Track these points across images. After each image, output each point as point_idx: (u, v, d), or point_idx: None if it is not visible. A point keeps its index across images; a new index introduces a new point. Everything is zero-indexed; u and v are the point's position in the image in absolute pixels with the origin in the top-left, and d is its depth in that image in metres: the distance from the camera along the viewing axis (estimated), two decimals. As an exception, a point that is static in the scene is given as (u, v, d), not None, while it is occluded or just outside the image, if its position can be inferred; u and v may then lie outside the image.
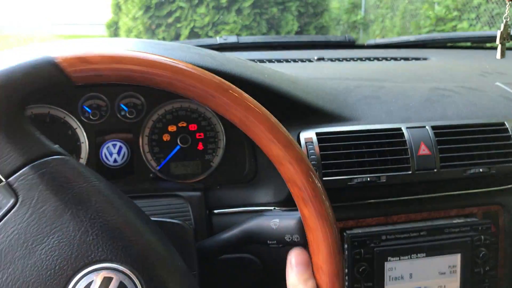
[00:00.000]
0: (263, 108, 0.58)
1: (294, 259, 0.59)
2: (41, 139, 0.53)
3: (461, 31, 6.81)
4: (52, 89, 0.54)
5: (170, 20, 3.77)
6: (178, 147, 0.88)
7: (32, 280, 0.49)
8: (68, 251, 0.50)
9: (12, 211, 0.50)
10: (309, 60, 1.24)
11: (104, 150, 0.87)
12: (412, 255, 0.84)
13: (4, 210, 0.50)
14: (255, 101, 0.58)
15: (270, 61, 1.22)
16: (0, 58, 0.70)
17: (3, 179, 0.51)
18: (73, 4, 11.72)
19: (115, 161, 0.87)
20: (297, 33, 4.03)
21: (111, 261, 0.51)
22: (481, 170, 0.86)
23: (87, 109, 0.85)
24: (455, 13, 7.14)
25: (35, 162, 0.51)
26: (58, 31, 11.58)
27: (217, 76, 0.58)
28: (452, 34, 1.56)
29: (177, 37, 3.82)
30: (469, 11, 7.06)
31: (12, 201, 0.50)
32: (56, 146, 0.55)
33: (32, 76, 0.52)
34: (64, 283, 0.49)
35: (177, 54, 0.76)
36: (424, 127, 0.87)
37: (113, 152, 0.87)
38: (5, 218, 0.50)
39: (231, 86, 0.58)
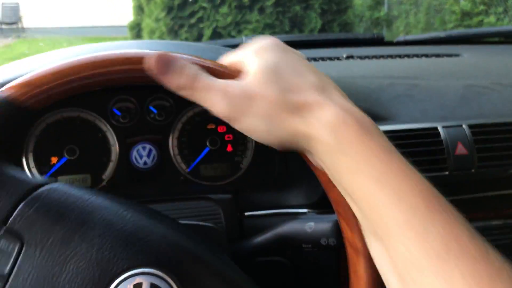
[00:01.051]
0: None
1: None
2: (20, 175, 0.52)
3: (488, 25, 6.67)
4: (12, 123, 0.52)
5: (192, 20, 3.78)
6: (207, 149, 0.87)
7: None
8: (90, 272, 0.48)
9: (21, 254, 0.49)
10: (338, 58, 1.22)
11: (134, 153, 0.87)
12: (450, 258, 0.81)
13: (14, 256, 0.49)
14: None
15: (297, 60, 1.20)
16: None
17: (2, 226, 0.49)
18: (97, 7, 11.90)
19: (145, 163, 0.87)
20: (320, 30, 4.00)
21: (134, 267, 0.49)
22: None
23: (116, 112, 0.85)
24: (482, 7, 6.98)
25: (26, 200, 0.50)
26: (84, 33, 11.79)
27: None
28: (483, 30, 1.51)
29: (199, 38, 3.83)
30: (496, 4, 6.91)
31: (18, 244, 0.49)
32: (38, 176, 0.53)
33: None
34: None
35: (207, 55, 0.75)
36: (461, 126, 0.84)
37: (143, 154, 0.87)
38: (17, 263, 0.48)
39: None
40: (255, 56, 0.50)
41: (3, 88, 0.51)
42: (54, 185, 0.52)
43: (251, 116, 0.48)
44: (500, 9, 6.82)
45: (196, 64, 0.51)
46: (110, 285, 0.48)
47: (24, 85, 0.51)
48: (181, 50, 0.75)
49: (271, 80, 0.47)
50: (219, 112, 0.49)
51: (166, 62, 0.50)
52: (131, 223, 0.51)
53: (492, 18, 6.74)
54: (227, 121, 0.50)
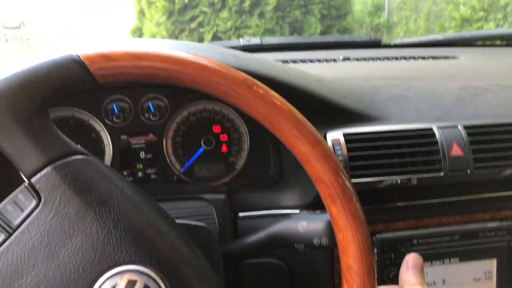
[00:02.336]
0: (288, 104, 0.56)
1: (411, 261, 0.62)
2: (63, 138, 0.53)
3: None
4: (75, 87, 0.53)
5: (193, 25, 3.79)
6: (201, 149, 0.87)
7: (56, 283, 0.48)
8: (92, 253, 0.49)
9: (34, 213, 0.50)
10: (334, 60, 1.22)
11: (129, 153, 0.86)
12: (445, 260, 0.81)
13: (27, 212, 0.50)
14: (280, 97, 0.57)
15: (294, 61, 1.20)
16: (25, 58, 0.70)
17: (26, 180, 0.51)
18: (99, 11, 11.96)
19: (139, 163, 0.87)
20: (319, 36, 4.01)
21: (135, 263, 0.50)
22: None
23: (110, 111, 0.84)
24: (481, 13, 6.99)
25: (58, 162, 0.50)
26: (85, 37, 11.83)
27: (241, 72, 0.56)
28: (480, 32, 1.51)
29: (200, 42, 3.84)
30: (495, 11, 6.91)
31: (34, 202, 0.50)
32: (78, 146, 0.54)
33: (54, 74, 0.51)
34: (87, 286, 0.48)
35: (200, 53, 0.75)
36: (456, 126, 0.84)
37: (137, 154, 0.87)
38: (27, 220, 0.49)
39: (255, 81, 0.56)
40: None
41: (81, 52, 0.52)
42: (89, 158, 0.52)
43: None
44: (500, 16, 6.83)
45: None
46: (106, 272, 0.49)
47: (101, 55, 0.52)
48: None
49: None
50: None
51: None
52: (145, 220, 0.52)
53: (491, 24, 6.75)
54: None
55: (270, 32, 3.77)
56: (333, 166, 0.55)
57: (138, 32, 4.86)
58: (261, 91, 0.55)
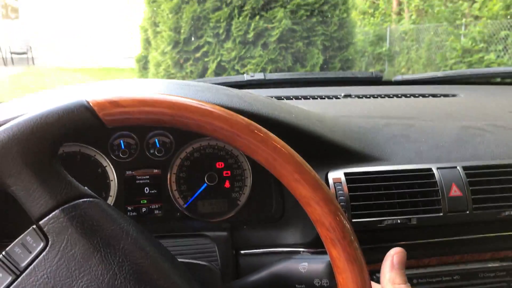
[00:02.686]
0: (290, 148, 0.58)
1: (396, 257, 0.60)
2: (71, 181, 0.54)
3: (488, 62, 6.74)
4: (84, 131, 0.55)
5: (198, 54, 3.86)
6: (205, 185, 0.88)
7: None
8: None
9: (42, 255, 0.51)
10: (336, 97, 1.24)
11: (133, 188, 0.88)
12: (446, 300, 0.81)
13: (34, 254, 0.51)
14: (282, 141, 0.58)
15: (296, 98, 1.22)
16: (36, 100, 0.73)
17: (34, 222, 0.52)
18: (106, 39, 12.14)
19: (143, 199, 0.88)
20: (322, 66, 4.06)
21: None
22: None
23: (117, 147, 0.86)
24: (482, 44, 7.08)
25: (65, 205, 0.52)
26: (94, 63, 11.98)
27: (244, 117, 0.58)
28: (480, 70, 1.54)
29: (204, 71, 3.90)
30: (496, 42, 7.01)
31: (42, 244, 0.51)
32: (85, 188, 0.56)
33: (65, 119, 0.53)
34: None
35: (206, 96, 0.77)
36: (455, 167, 0.85)
37: (142, 190, 0.88)
38: (35, 262, 0.50)
39: (257, 126, 0.58)
40: None
41: (90, 98, 0.54)
42: (95, 200, 0.54)
43: None
44: (500, 47, 6.92)
45: None
46: None
47: (110, 101, 0.54)
48: (181, 91, 0.77)
49: None
50: None
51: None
52: (149, 262, 0.53)
53: (492, 56, 6.83)
54: None
55: (273, 62, 3.83)
56: (333, 210, 0.56)
57: (144, 60, 4.94)
58: (263, 136, 0.57)
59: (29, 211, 0.52)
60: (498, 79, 1.54)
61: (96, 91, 0.72)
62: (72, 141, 0.81)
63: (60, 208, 0.51)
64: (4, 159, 0.50)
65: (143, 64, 4.97)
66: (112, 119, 0.55)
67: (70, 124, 0.53)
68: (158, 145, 0.87)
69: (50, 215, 0.51)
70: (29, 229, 0.52)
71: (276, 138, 0.58)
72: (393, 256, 0.59)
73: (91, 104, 0.54)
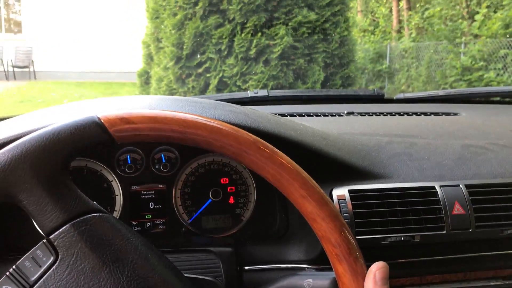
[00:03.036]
0: (296, 165, 0.59)
1: (379, 273, 0.57)
2: (81, 196, 0.55)
3: (488, 80, 6.79)
4: (95, 147, 0.56)
5: (200, 70, 3.89)
6: (209, 201, 0.89)
7: None
8: None
9: (52, 269, 0.51)
10: (339, 114, 1.25)
11: (138, 203, 0.88)
12: (449, 318, 0.81)
13: (44, 268, 0.52)
14: (288, 157, 0.59)
15: (300, 115, 1.24)
16: (48, 115, 0.74)
17: (44, 236, 0.53)
18: (106, 53, 12.23)
19: (148, 213, 0.88)
20: (323, 83, 4.09)
21: None
22: None
23: (123, 162, 0.87)
24: (481, 63, 7.13)
25: (76, 220, 0.53)
26: (93, 78, 12.05)
27: (251, 134, 0.59)
28: (481, 89, 1.56)
29: (206, 86, 3.92)
30: (495, 61, 7.06)
31: (52, 258, 0.52)
32: (94, 203, 0.57)
33: (77, 135, 0.54)
34: None
35: (213, 112, 0.79)
36: (458, 185, 0.86)
37: (147, 205, 0.89)
38: (45, 276, 0.51)
39: (264, 143, 0.59)
40: None
41: (101, 115, 0.56)
42: (105, 215, 0.55)
43: None
44: (500, 66, 6.97)
45: None
46: None
47: (120, 118, 0.56)
48: (188, 108, 0.79)
49: None
50: None
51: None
52: (157, 275, 0.54)
53: (492, 74, 6.87)
54: None
55: (274, 78, 3.86)
56: (339, 226, 0.57)
57: (145, 75, 4.98)
58: (270, 153, 0.58)
59: (40, 225, 0.52)
60: (499, 98, 1.56)
61: (105, 107, 0.73)
62: (81, 156, 0.82)
63: (70, 223, 0.52)
64: (17, 174, 0.51)
65: (145, 79, 5.01)
66: (122, 136, 0.56)
67: (81, 140, 0.55)
68: (164, 161, 0.88)
69: (60, 230, 0.52)
70: (39, 243, 0.53)
71: (282, 155, 0.59)
72: (375, 272, 0.57)
73: (102, 121, 0.55)
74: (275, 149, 0.60)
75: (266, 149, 0.58)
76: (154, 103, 0.78)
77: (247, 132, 0.59)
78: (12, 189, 0.52)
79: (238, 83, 3.88)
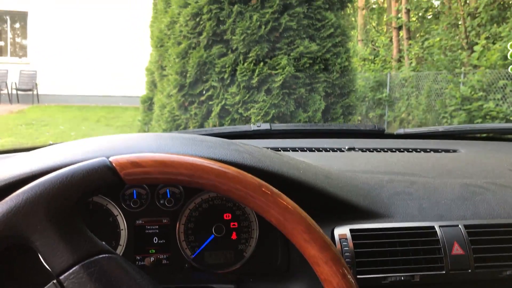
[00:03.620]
0: (300, 209, 0.61)
1: None
2: (91, 237, 0.57)
3: (487, 110, 6.84)
4: (105, 189, 0.58)
5: (202, 98, 3.95)
6: (212, 237, 0.90)
7: None
8: None
9: None
10: (340, 150, 1.27)
11: (142, 238, 0.90)
12: None
13: None
14: (292, 201, 0.62)
15: (302, 149, 1.26)
16: (60, 152, 0.76)
17: (54, 277, 0.54)
18: (109, 78, 12.36)
19: (152, 248, 0.89)
20: (323, 111, 4.14)
21: None
22: None
23: (128, 197, 0.89)
24: (481, 93, 7.19)
25: (85, 261, 0.54)
26: (96, 102, 12.15)
27: (256, 178, 0.61)
28: (481, 126, 1.58)
29: (208, 114, 3.97)
30: (494, 91, 7.12)
31: None
32: (103, 243, 0.58)
33: (89, 179, 0.56)
34: None
35: (219, 152, 0.81)
36: (457, 225, 0.87)
37: (151, 239, 0.90)
38: None
39: (268, 187, 0.61)
40: None
41: (112, 158, 0.58)
42: (113, 256, 0.57)
43: None
44: (499, 96, 7.03)
45: None
46: None
47: (131, 162, 0.58)
48: (195, 147, 0.81)
49: None
50: None
51: None
52: None
53: (491, 104, 6.92)
54: None
55: (276, 107, 3.90)
56: (341, 270, 0.59)
57: (149, 101, 5.04)
58: (274, 196, 0.61)
59: (50, 266, 0.54)
60: (497, 135, 1.58)
61: (115, 146, 0.76)
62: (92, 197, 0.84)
63: (80, 264, 0.54)
64: (31, 216, 0.53)
65: (148, 106, 5.07)
66: (132, 178, 0.58)
67: (93, 183, 0.57)
68: (168, 196, 0.90)
69: (70, 271, 0.54)
70: (49, 284, 0.54)
71: (286, 199, 0.61)
72: None
73: (114, 164, 0.57)
74: (279, 192, 0.62)
75: (271, 193, 0.61)
76: (161, 143, 0.80)
77: (252, 176, 0.62)
78: (25, 231, 0.53)
79: (240, 111, 3.92)
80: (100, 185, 0.57)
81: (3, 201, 0.54)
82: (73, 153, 0.72)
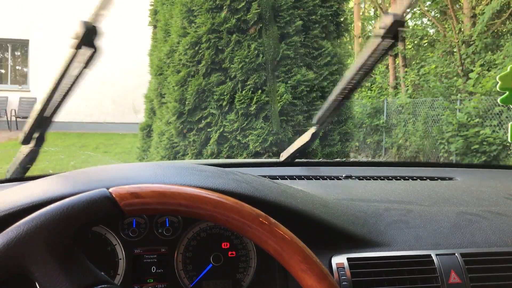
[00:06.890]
0: (297, 239, 0.62)
1: None
2: (90, 268, 0.57)
3: (484, 136, 6.88)
4: (104, 220, 0.59)
5: (201, 125, 3.97)
6: (210, 266, 0.90)
7: None
8: None
9: None
10: (337, 178, 1.29)
11: (140, 267, 0.90)
12: None
13: None
14: (289, 231, 0.62)
15: (299, 178, 1.27)
16: (60, 183, 0.77)
17: None
18: (107, 104, 12.43)
19: (150, 278, 0.89)
20: (321, 138, 4.16)
21: None
22: None
23: (127, 226, 0.89)
24: (477, 119, 7.25)
25: None
26: (95, 129, 12.18)
27: (254, 208, 0.63)
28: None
29: (206, 140, 3.99)
30: (491, 118, 7.18)
31: None
32: (102, 274, 0.59)
33: (89, 210, 0.58)
34: None
35: (217, 181, 0.82)
36: (454, 254, 0.88)
37: (149, 268, 0.90)
38: None
39: (266, 217, 0.62)
40: None
41: (112, 189, 0.59)
42: (112, 286, 0.57)
43: None
44: (495, 122, 7.08)
45: None
46: None
47: (130, 193, 0.59)
48: (193, 177, 0.82)
49: None
50: None
51: None
52: None
53: (487, 130, 6.97)
54: None
55: (273, 134, 3.93)
56: None
57: (148, 128, 5.07)
58: (272, 227, 0.62)
59: None
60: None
61: (114, 177, 0.77)
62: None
63: None
64: (31, 247, 0.54)
65: (147, 133, 5.09)
66: (131, 209, 0.59)
67: (93, 214, 0.58)
68: (167, 225, 0.90)
69: None
70: None
71: (283, 229, 0.62)
72: None
73: (113, 195, 0.59)
74: (276, 222, 0.63)
75: (268, 223, 0.62)
76: (160, 173, 0.82)
77: (249, 206, 0.63)
78: (25, 261, 0.54)
79: (238, 138, 3.94)
80: (100, 216, 0.58)
81: (4, 232, 0.55)
82: (73, 184, 0.73)
